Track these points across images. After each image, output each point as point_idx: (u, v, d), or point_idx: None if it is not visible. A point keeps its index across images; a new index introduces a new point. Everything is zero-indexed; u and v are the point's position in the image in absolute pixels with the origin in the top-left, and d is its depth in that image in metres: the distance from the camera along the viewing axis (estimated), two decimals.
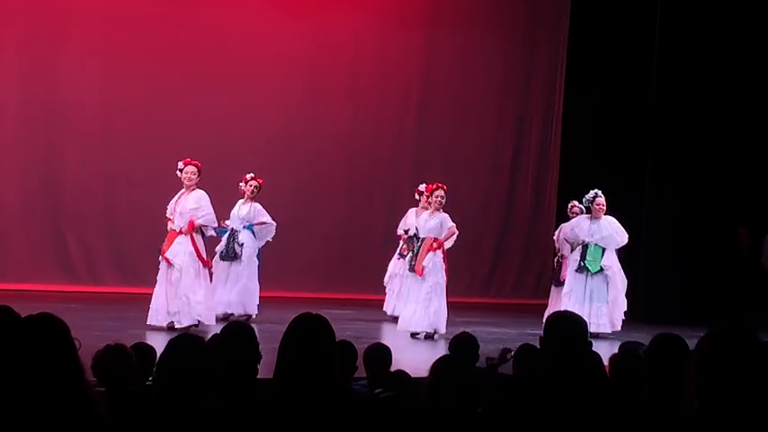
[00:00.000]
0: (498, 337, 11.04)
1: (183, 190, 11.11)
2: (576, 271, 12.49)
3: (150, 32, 14.52)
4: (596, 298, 12.37)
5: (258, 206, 12.46)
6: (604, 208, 12.48)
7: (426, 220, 11.90)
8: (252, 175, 12.47)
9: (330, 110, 15.53)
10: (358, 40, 15.59)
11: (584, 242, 12.48)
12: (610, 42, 15.86)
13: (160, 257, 11.01)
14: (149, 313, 10.88)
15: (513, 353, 6.05)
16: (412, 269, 11.87)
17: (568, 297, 12.41)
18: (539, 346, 4.36)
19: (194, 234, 10.96)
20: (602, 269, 12.39)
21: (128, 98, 14.44)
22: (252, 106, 15.04)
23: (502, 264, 16.50)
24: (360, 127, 15.70)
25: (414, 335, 11.59)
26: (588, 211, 12.67)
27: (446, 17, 16.13)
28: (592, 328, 10.89)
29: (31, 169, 14.16)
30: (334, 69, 15.53)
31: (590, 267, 12.42)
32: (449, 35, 16.15)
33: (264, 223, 12.46)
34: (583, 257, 12.48)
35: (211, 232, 11.30)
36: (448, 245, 11.96)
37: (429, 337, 11.58)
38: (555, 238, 13.87)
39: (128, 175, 14.43)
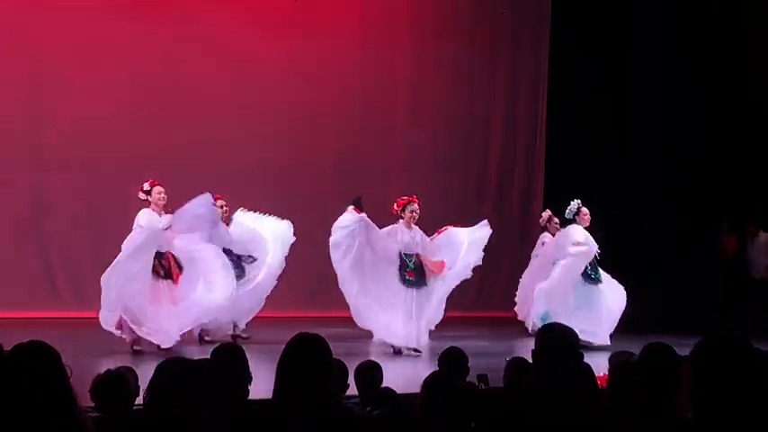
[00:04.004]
0: (488, 350, 11.00)
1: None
2: (588, 282, 12.45)
3: (127, 57, 14.49)
4: (587, 308, 12.34)
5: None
6: (589, 217, 12.51)
7: (412, 236, 11.58)
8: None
9: (315, 124, 15.46)
10: (342, 53, 15.56)
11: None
12: (591, 48, 15.87)
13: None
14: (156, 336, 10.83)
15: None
16: (410, 283, 11.50)
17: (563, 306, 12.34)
18: (530, 360, 4.36)
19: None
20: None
21: (111, 127, 14.34)
22: (235, 123, 15.02)
23: (490, 277, 16.43)
24: (345, 140, 15.63)
25: (400, 351, 11.40)
26: (568, 222, 12.62)
27: (431, 27, 16.12)
28: (582, 337, 10.87)
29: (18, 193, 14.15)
30: (321, 83, 15.49)
31: (598, 278, 12.44)
32: (434, 45, 16.12)
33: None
34: (594, 268, 12.46)
35: None
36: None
37: (417, 351, 11.45)
38: (539, 250, 13.75)
39: (112, 198, 14.32)
